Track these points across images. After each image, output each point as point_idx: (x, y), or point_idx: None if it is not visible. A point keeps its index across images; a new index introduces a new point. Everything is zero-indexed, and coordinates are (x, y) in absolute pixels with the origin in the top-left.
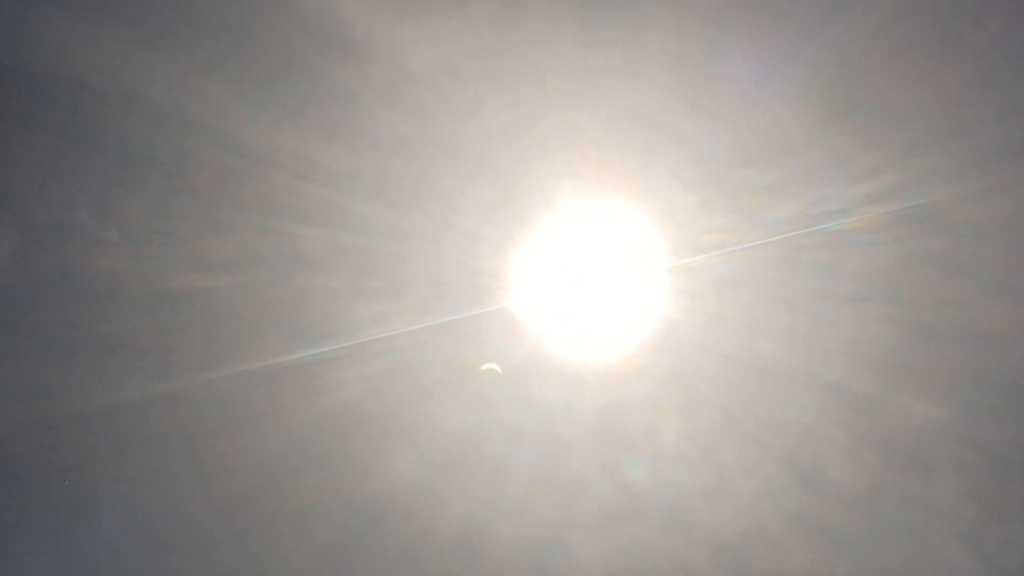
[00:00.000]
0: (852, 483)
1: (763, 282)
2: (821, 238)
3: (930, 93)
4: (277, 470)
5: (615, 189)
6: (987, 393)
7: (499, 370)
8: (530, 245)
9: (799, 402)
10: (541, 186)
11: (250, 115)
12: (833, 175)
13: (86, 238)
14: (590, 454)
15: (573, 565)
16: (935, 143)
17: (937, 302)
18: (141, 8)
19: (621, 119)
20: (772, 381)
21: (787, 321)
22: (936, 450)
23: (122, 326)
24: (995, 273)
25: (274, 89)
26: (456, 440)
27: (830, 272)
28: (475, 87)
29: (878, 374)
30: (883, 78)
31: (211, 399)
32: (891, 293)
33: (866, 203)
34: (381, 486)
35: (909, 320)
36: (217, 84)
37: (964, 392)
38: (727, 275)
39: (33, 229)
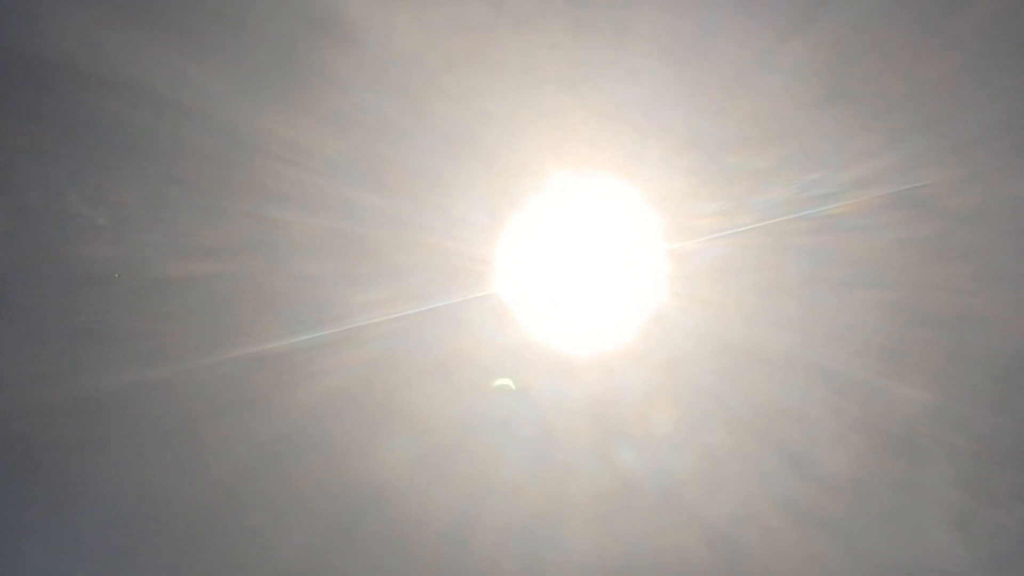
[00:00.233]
0: (844, 468)
1: (754, 267)
2: (813, 223)
3: (920, 78)
4: (268, 456)
5: (606, 174)
6: (979, 378)
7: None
8: (521, 231)
9: (790, 387)
10: (532, 172)
11: (240, 100)
12: (825, 159)
13: (77, 224)
14: (582, 440)
15: (566, 552)
16: (926, 128)
17: (929, 287)
18: None
19: (612, 104)
20: (763, 366)
21: (778, 306)
22: (928, 435)
23: (112, 313)
24: (987, 257)
25: (264, 75)
26: (447, 426)
27: (821, 257)
28: (467, 73)
29: (870, 359)
30: (874, 63)
31: (200, 385)
32: (883, 277)
33: (858, 187)
34: (371, 472)
35: (901, 305)
36: (206, 69)
37: (956, 377)
38: (718, 260)
39: (24, 215)
